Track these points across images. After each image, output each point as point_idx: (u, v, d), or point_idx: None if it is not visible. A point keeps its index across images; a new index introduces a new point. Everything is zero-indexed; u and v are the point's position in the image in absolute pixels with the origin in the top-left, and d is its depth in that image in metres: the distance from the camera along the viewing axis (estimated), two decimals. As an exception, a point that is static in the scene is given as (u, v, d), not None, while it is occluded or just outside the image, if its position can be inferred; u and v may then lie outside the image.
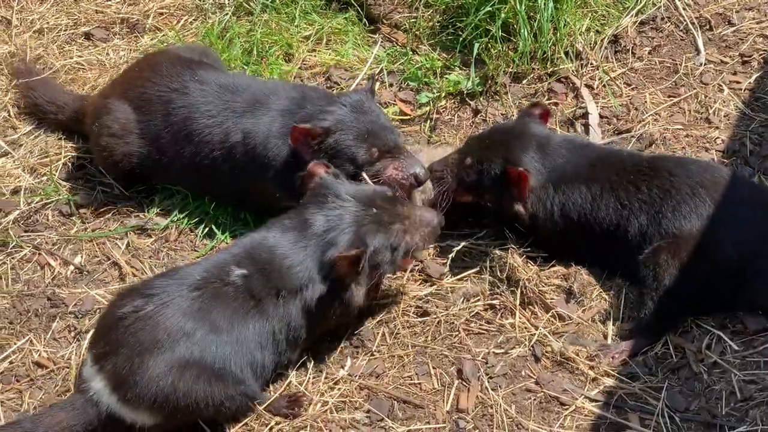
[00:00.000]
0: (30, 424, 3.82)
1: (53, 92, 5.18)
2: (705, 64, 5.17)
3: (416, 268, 4.45)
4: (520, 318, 4.22)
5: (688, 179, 4.15)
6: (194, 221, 4.76)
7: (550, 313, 4.23)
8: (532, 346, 4.13)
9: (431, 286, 4.39)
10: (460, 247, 4.44)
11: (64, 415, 3.81)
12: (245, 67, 5.29)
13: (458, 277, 4.40)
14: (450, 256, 4.44)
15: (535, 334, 4.16)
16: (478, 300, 4.30)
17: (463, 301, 4.30)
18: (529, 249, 4.42)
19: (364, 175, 4.30)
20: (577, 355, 4.07)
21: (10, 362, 4.23)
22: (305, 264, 3.91)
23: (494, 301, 4.28)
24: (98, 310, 4.37)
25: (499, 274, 4.35)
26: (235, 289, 3.87)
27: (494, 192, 4.39)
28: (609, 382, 4.00)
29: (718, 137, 4.82)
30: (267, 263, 3.92)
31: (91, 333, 4.06)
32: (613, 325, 4.20)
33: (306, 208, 4.01)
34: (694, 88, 5.06)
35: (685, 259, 4.05)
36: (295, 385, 4.06)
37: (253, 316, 3.86)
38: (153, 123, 4.66)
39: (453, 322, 4.23)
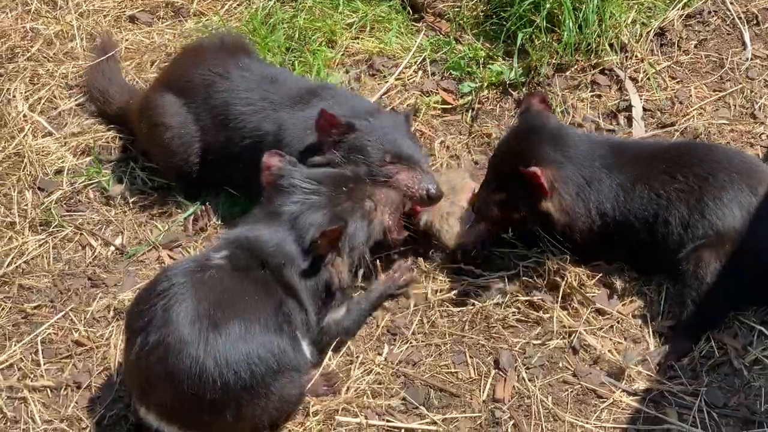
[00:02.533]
0: None
1: (106, 81, 5.19)
2: (751, 59, 5.11)
3: (452, 266, 4.43)
4: (558, 312, 4.20)
5: (724, 166, 4.09)
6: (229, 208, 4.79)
7: (590, 308, 4.21)
8: (571, 339, 4.11)
9: (468, 281, 4.36)
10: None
11: None
12: (286, 53, 5.31)
13: (495, 275, 4.37)
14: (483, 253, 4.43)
15: (573, 327, 4.14)
16: (517, 295, 4.27)
17: (500, 295, 4.28)
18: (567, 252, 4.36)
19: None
20: (614, 353, 4.06)
21: (51, 340, 4.27)
22: (283, 245, 3.85)
23: (532, 297, 4.26)
24: (138, 291, 4.40)
25: (537, 270, 4.33)
26: (218, 269, 3.76)
27: (523, 201, 4.22)
28: (647, 376, 3.98)
29: (763, 133, 4.77)
30: (250, 247, 3.86)
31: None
32: (653, 321, 4.17)
33: (273, 199, 3.98)
34: (740, 83, 5.01)
35: (728, 255, 3.99)
36: (328, 369, 4.08)
37: (248, 291, 3.74)
38: (194, 105, 4.66)
39: (490, 313, 4.22)
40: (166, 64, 5.17)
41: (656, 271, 4.28)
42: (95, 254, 4.63)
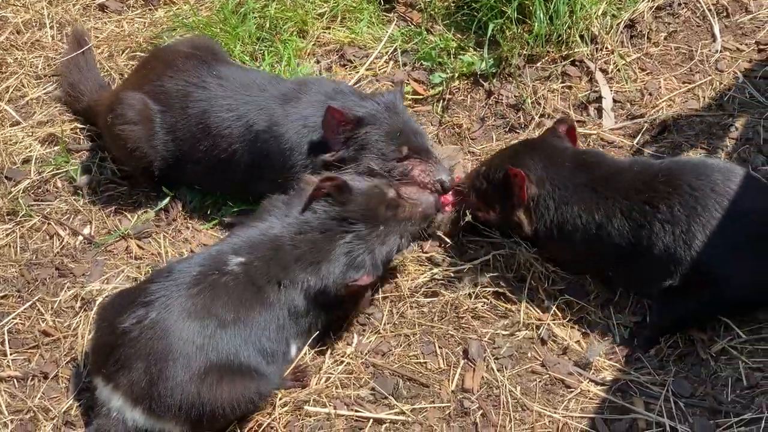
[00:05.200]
0: None
1: (79, 76, 5.14)
2: (721, 51, 5.12)
3: (424, 255, 4.45)
4: (527, 303, 4.21)
5: (713, 192, 3.94)
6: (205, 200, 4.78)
7: (558, 300, 4.22)
8: (539, 330, 4.12)
9: (439, 272, 4.36)
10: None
11: None
12: (257, 43, 5.28)
13: (466, 264, 4.37)
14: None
15: (542, 318, 4.16)
16: (487, 287, 4.28)
17: (471, 286, 4.29)
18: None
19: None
20: (582, 344, 4.07)
21: (18, 330, 4.25)
22: (316, 263, 3.97)
23: (501, 289, 4.27)
24: (106, 281, 4.38)
25: (507, 262, 4.33)
26: (234, 278, 3.85)
27: (499, 199, 4.27)
28: (615, 367, 4.00)
29: (731, 124, 4.79)
30: (271, 251, 3.96)
31: (91, 355, 3.95)
32: (620, 314, 4.19)
33: (312, 218, 4.06)
34: (709, 75, 5.02)
35: (714, 280, 3.90)
36: (298, 363, 4.07)
37: (256, 304, 3.85)
38: (170, 114, 4.58)
39: (460, 304, 4.22)
40: (136, 65, 5.10)
41: (632, 291, 4.26)
42: (63, 244, 4.60)
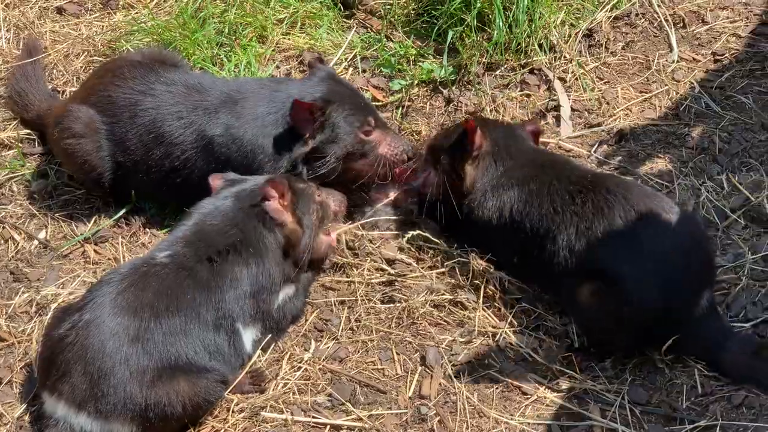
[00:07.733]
0: None
1: (27, 85, 5.06)
2: (677, 62, 5.19)
3: (378, 260, 4.44)
4: (483, 311, 4.21)
5: (626, 201, 3.96)
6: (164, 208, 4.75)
7: (515, 308, 4.23)
8: (496, 337, 4.13)
9: (394, 281, 4.34)
10: (414, 233, 4.43)
11: None
12: (216, 48, 5.26)
13: (423, 271, 4.36)
14: (404, 240, 4.44)
15: (498, 326, 4.16)
16: (443, 294, 4.28)
17: (426, 294, 4.28)
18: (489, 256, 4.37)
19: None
20: (539, 351, 4.09)
21: (-30, 335, 4.21)
22: (233, 220, 3.99)
23: (457, 297, 4.26)
24: (61, 286, 4.34)
25: (462, 270, 4.33)
26: (163, 266, 3.82)
27: (452, 153, 4.33)
28: (571, 374, 4.01)
29: (687, 134, 4.85)
30: (194, 238, 3.95)
31: (37, 372, 3.88)
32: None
33: (217, 193, 4.13)
34: (666, 85, 5.08)
35: (608, 299, 3.89)
36: (256, 367, 4.04)
37: (188, 287, 3.80)
38: (118, 125, 4.52)
39: (417, 310, 4.22)
40: (87, 77, 5.04)
41: (544, 288, 4.29)
42: (18, 248, 4.55)
